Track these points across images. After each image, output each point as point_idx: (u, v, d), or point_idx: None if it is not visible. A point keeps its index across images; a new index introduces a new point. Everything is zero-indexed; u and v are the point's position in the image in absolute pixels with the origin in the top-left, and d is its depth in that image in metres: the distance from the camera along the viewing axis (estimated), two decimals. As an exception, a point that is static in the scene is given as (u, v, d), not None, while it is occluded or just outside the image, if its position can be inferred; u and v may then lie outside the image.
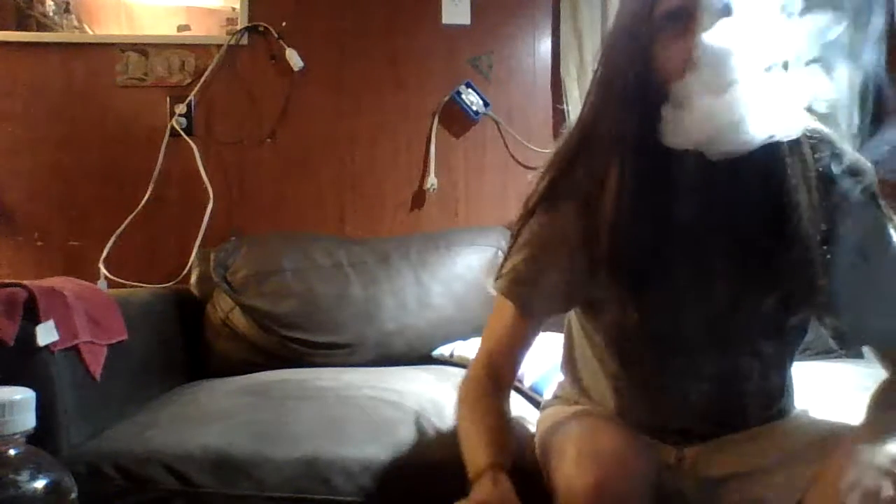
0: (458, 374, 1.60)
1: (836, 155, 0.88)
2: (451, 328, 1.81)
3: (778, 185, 0.84)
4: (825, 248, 0.85)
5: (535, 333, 1.01)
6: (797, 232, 0.84)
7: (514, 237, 0.99)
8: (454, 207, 2.22)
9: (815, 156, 0.87)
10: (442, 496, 1.09)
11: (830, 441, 0.83)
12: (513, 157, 2.21)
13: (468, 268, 1.88)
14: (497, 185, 2.21)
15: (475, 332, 1.77)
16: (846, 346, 0.95)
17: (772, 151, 0.80)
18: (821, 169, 0.87)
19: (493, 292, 1.01)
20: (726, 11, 0.78)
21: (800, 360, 1.34)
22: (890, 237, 0.88)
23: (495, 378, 0.99)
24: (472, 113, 2.17)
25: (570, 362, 1.11)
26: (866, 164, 0.89)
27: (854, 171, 0.88)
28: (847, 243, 0.86)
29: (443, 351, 1.77)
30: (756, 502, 0.87)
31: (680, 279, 0.90)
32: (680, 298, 0.91)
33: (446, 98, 2.18)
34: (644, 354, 0.96)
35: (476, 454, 0.89)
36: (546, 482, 0.93)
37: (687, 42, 0.79)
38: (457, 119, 2.20)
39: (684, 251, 0.88)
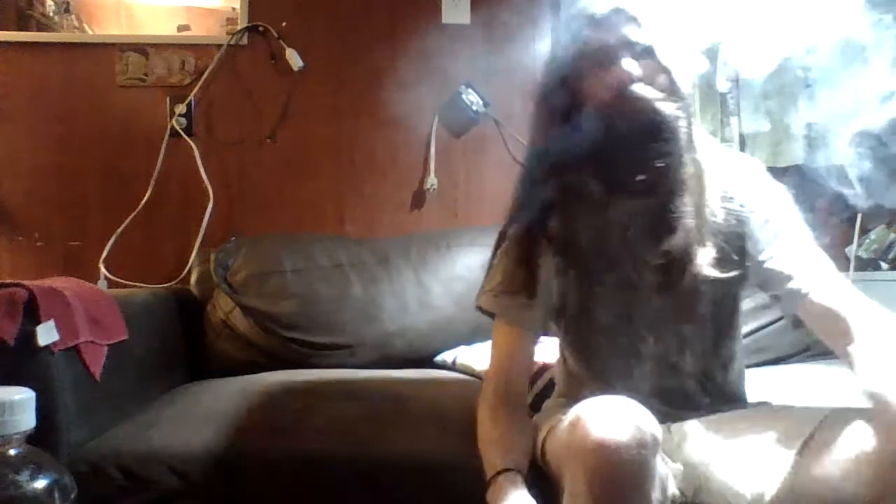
0: (461, 378, 1.62)
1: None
2: (451, 329, 1.81)
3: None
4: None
5: (530, 345, 1.10)
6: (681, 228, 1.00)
7: (492, 259, 1.12)
8: (454, 207, 2.22)
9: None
10: (443, 498, 1.10)
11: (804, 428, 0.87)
12: (513, 157, 2.20)
13: (468, 268, 1.87)
14: (497, 185, 2.20)
15: (476, 333, 1.77)
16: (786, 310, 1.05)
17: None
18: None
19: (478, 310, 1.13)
20: (648, 53, 0.96)
21: (798, 361, 1.34)
22: (795, 222, 1.04)
23: (505, 396, 1.06)
24: (472, 113, 2.17)
25: (560, 363, 1.18)
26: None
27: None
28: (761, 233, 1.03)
29: (445, 357, 1.77)
30: (735, 492, 0.90)
31: (616, 274, 1.05)
32: (617, 290, 1.05)
33: (446, 98, 2.18)
34: (596, 341, 1.08)
35: (492, 458, 0.96)
36: (552, 475, 0.96)
37: (611, 78, 0.96)
38: (457, 119, 2.20)
39: (618, 253, 1.04)
